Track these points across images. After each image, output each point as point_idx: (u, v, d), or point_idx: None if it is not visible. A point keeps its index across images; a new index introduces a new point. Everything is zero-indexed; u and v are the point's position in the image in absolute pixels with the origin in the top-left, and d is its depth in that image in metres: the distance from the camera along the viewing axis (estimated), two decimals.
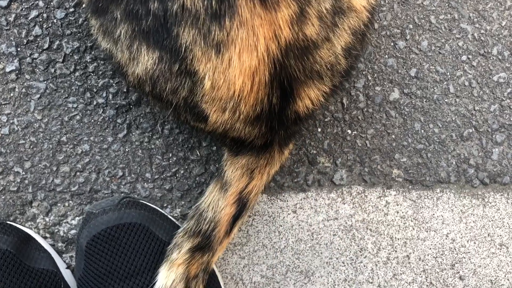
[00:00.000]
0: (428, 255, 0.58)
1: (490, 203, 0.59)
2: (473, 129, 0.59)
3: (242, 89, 0.41)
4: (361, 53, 0.56)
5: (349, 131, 0.58)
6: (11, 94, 0.55)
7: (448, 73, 0.58)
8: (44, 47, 0.55)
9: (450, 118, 0.58)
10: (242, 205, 0.50)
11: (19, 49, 0.55)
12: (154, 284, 0.48)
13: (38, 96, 0.55)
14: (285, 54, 0.40)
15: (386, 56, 0.58)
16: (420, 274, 0.58)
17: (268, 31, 0.39)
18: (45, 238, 0.55)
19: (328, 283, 0.57)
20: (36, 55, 0.55)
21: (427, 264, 0.58)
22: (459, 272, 0.58)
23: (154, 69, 0.41)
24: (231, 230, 0.50)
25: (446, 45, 0.58)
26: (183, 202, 0.56)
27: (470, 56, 0.59)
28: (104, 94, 0.56)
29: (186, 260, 0.48)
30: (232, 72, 0.40)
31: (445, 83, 0.58)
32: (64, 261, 0.55)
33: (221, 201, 0.49)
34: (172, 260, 0.48)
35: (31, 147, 0.55)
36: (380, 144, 0.58)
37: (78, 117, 0.56)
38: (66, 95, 0.56)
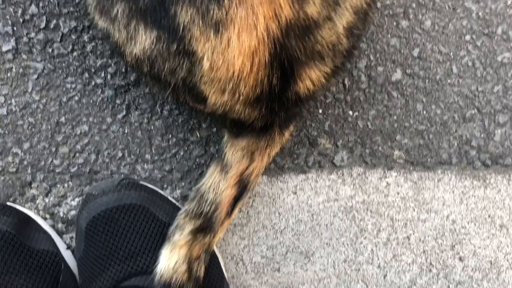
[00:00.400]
0: (428, 236, 0.58)
1: (491, 184, 0.58)
2: (476, 110, 0.58)
3: (241, 69, 0.40)
4: (364, 33, 0.55)
5: (351, 112, 0.57)
6: (8, 74, 0.55)
7: (452, 53, 0.58)
8: (41, 26, 0.54)
9: (453, 99, 0.58)
10: (243, 187, 0.50)
11: (15, 28, 0.54)
12: (155, 265, 0.48)
13: (35, 76, 0.55)
14: (285, 34, 0.39)
15: (389, 35, 0.57)
16: (420, 255, 0.58)
17: (268, 10, 0.38)
18: (45, 219, 0.55)
19: (328, 264, 0.57)
20: (33, 34, 0.54)
21: (427, 245, 0.58)
22: (459, 253, 0.58)
23: (152, 49, 0.41)
24: (232, 212, 0.50)
25: (450, 24, 0.57)
26: (183, 183, 0.56)
27: (474, 36, 0.58)
28: (103, 75, 0.55)
29: (188, 242, 0.48)
30: (231, 52, 0.39)
31: (448, 63, 0.58)
32: (64, 242, 0.55)
33: (222, 183, 0.49)
34: (174, 241, 0.48)
35: (30, 128, 0.55)
36: (382, 125, 0.57)
37: (76, 98, 0.55)
38: (64, 76, 0.55)
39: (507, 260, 0.58)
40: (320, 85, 0.44)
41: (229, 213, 0.50)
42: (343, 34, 0.42)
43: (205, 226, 0.49)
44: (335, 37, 0.42)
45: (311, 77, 0.43)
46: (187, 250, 0.48)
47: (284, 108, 0.45)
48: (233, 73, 0.40)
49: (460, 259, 0.58)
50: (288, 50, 0.40)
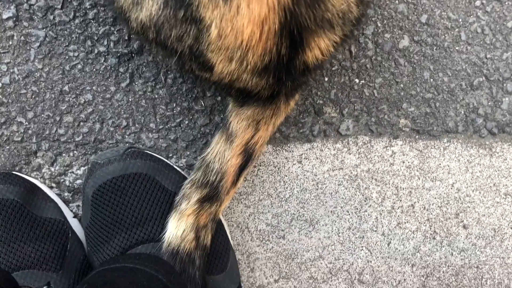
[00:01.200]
0: (432, 204, 0.58)
1: (498, 153, 0.58)
2: (484, 78, 0.57)
3: (250, 38, 0.39)
4: (373, 0, 0.54)
5: (357, 80, 0.56)
6: (10, 43, 0.54)
7: (460, 20, 0.56)
8: None
9: (461, 67, 0.57)
10: (248, 156, 0.50)
11: None
12: (163, 233, 0.49)
13: (37, 44, 0.54)
14: (296, 1, 0.38)
15: (397, 1, 0.56)
16: (424, 223, 0.58)
17: None
18: (51, 188, 0.55)
19: (332, 231, 0.58)
20: (33, 1, 0.53)
21: (431, 213, 0.58)
22: (463, 221, 0.58)
23: (159, 15, 0.40)
24: (238, 180, 0.50)
25: None
26: (188, 153, 0.56)
27: (484, 1, 0.56)
28: (105, 42, 0.54)
29: (195, 211, 0.49)
30: (240, 20, 0.38)
31: (456, 30, 0.56)
32: (71, 210, 0.55)
33: (227, 152, 0.49)
34: (181, 210, 0.49)
35: (33, 96, 0.55)
36: (388, 94, 0.57)
37: (79, 66, 0.55)
38: (67, 43, 0.54)
39: (511, 228, 0.59)
40: (329, 54, 0.43)
41: (235, 182, 0.50)
42: (354, 2, 0.41)
43: (211, 195, 0.49)
44: (346, 5, 0.41)
45: (320, 46, 0.42)
46: (194, 218, 0.48)
47: (291, 78, 0.44)
48: (242, 41, 0.39)
49: (464, 226, 0.59)
50: (298, 18, 0.39)
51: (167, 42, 0.41)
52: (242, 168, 0.50)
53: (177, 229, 0.48)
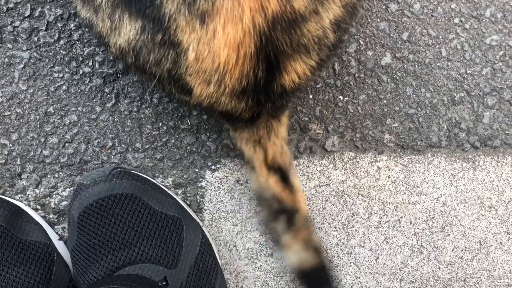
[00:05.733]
0: (419, 219, 0.59)
1: (481, 166, 0.59)
2: (465, 93, 0.58)
3: (227, 61, 0.40)
4: (351, 26, 0.54)
5: (341, 97, 0.57)
6: None
7: (441, 36, 0.58)
8: (26, 15, 0.53)
9: (442, 82, 0.58)
10: (278, 169, 0.51)
11: None
12: (147, 254, 0.48)
13: (22, 65, 0.54)
14: (272, 27, 0.39)
15: (378, 19, 0.57)
16: (411, 237, 0.59)
17: (255, 2, 0.38)
18: (36, 210, 0.55)
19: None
20: (17, 23, 0.53)
21: (418, 228, 0.59)
22: (449, 234, 0.59)
23: (137, 39, 0.40)
24: (292, 188, 0.51)
25: (439, 7, 0.57)
26: (174, 171, 0.56)
27: (462, 19, 0.58)
28: (90, 63, 0.54)
29: (292, 238, 0.52)
30: (217, 43, 0.39)
31: (437, 46, 0.58)
32: (57, 233, 0.54)
33: (260, 178, 0.51)
34: (284, 245, 0.52)
35: (17, 118, 0.54)
36: (372, 110, 0.58)
37: (64, 87, 0.54)
38: (51, 65, 0.54)
39: (496, 240, 0.59)
40: (306, 78, 0.44)
41: (292, 190, 0.51)
42: (330, 28, 0.42)
43: (291, 216, 0.51)
44: (321, 31, 0.42)
45: (297, 70, 0.43)
46: (298, 243, 0.51)
47: (271, 100, 0.44)
48: (219, 64, 0.40)
49: (451, 240, 0.59)
50: (274, 43, 0.40)
51: (146, 66, 0.42)
52: (284, 180, 0.51)
53: (295, 257, 0.51)
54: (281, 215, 0.51)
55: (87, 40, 0.54)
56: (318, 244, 0.53)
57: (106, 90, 0.55)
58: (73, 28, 0.54)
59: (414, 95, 0.58)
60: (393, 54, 0.57)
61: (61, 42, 0.54)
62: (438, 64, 0.58)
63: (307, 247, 0.52)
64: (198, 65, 0.40)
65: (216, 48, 0.39)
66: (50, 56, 0.54)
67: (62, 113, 0.55)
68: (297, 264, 0.52)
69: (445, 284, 0.59)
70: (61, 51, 0.54)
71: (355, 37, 0.57)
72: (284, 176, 0.51)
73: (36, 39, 0.54)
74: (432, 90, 0.58)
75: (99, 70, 0.54)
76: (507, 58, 0.58)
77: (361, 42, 0.57)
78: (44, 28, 0.54)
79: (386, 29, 0.57)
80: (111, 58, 0.54)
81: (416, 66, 0.58)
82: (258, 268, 0.57)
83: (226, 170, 0.56)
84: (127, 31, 0.40)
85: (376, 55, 0.57)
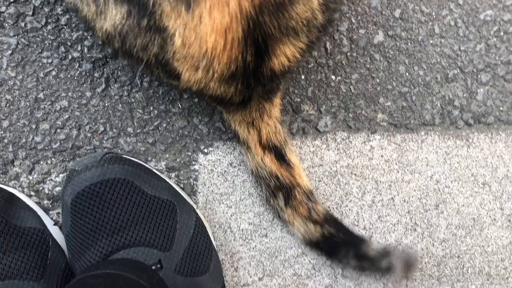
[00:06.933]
0: (412, 197, 0.59)
1: (474, 143, 0.59)
2: (458, 70, 0.58)
3: (214, 47, 0.39)
4: (340, 5, 0.54)
5: (333, 77, 0.57)
6: None
7: (434, 13, 0.57)
8: (11, 0, 0.53)
9: (435, 60, 0.57)
10: (273, 147, 0.51)
11: None
12: (141, 237, 0.49)
13: (10, 52, 0.53)
14: (259, 11, 0.38)
15: None
16: (405, 215, 0.59)
17: None
18: (30, 196, 0.55)
19: None
20: (3, 8, 0.53)
21: (411, 206, 0.59)
22: (443, 212, 0.59)
23: (123, 24, 0.40)
24: (289, 164, 0.52)
25: None
26: (167, 155, 0.56)
27: None
28: (79, 48, 0.54)
29: (292, 214, 0.53)
30: (203, 29, 0.38)
31: (430, 23, 0.57)
32: (51, 218, 0.55)
33: (256, 158, 0.51)
34: (289, 220, 0.54)
35: (8, 105, 0.54)
36: (365, 89, 0.57)
37: (54, 73, 0.54)
38: (40, 50, 0.54)
39: (489, 217, 0.60)
40: (295, 60, 0.43)
41: (290, 165, 0.52)
42: (318, 10, 0.42)
43: (289, 192, 0.52)
44: (310, 13, 0.41)
45: (286, 53, 0.42)
46: (300, 218, 0.52)
47: (261, 84, 0.44)
48: (206, 50, 0.39)
49: (444, 217, 0.59)
50: (262, 27, 0.39)
51: (133, 51, 0.41)
52: (280, 157, 0.51)
53: (298, 231, 0.53)
54: (279, 191, 0.52)
55: (75, 25, 0.53)
56: (321, 214, 0.53)
57: (96, 75, 0.54)
58: (60, 13, 0.53)
59: (407, 73, 0.57)
60: (386, 32, 0.57)
61: (49, 27, 0.53)
62: (431, 41, 0.57)
63: (310, 220, 0.53)
64: (185, 50, 0.40)
65: (203, 33, 0.39)
66: (38, 42, 0.53)
67: (53, 99, 0.54)
68: (303, 238, 0.54)
69: (439, 261, 0.60)
70: (49, 36, 0.53)
71: (347, 15, 0.56)
72: (279, 154, 0.51)
73: (23, 24, 0.53)
74: (425, 67, 0.57)
75: (88, 55, 0.54)
76: (502, 33, 0.58)
77: (353, 21, 0.56)
78: (30, 13, 0.53)
79: (378, 7, 0.56)
80: (100, 43, 0.54)
81: (409, 43, 0.57)
82: (253, 248, 0.58)
83: (219, 153, 0.56)
84: (112, 16, 0.40)
85: (368, 33, 0.56)
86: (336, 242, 0.54)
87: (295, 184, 0.52)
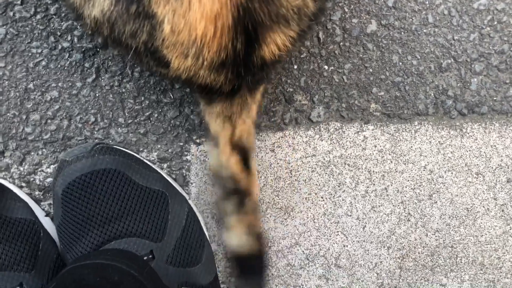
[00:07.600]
0: (406, 187, 0.59)
1: (468, 133, 0.59)
2: (452, 60, 0.57)
3: (204, 34, 0.39)
4: None
5: (326, 67, 0.56)
6: None
7: (427, 2, 0.56)
8: None
9: (429, 49, 0.57)
10: (242, 150, 0.49)
11: None
12: (133, 228, 0.48)
13: None
14: None
15: None
16: (398, 205, 0.59)
17: None
18: (21, 187, 0.55)
19: (307, 218, 0.58)
20: None
21: (405, 196, 0.59)
22: (436, 202, 0.59)
23: (112, 11, 0.39)
24: (250, 171, 0.50)
25: None
26: (159, 146, 0.56)
27: None
28: (69, 38, 0.53)
29: (238, 221, 0.50)
30: (192, 15, 0.38)
31: (424, 12, 0.56)
32: (43, 209, 0.55)
33: (222, 156, 0.49)
34: (230, 226, 0.51)
35: None
36: (358, 79, 0.57)
37: (43, 63, 0.54)
38: (29, 40, 0.53)
39: (483, 206, 0.60)
40: (286, 49, 0.43)
41: (249, 172, 0.50)
42: None
43: (242, 198, 0.50)
44: (301, 0, 0.40)
45: (276, 41, 0.42)
46: (244, 228, 0.50)
47: (251, 72, 0.44)
48: (196, 37, 0.39)
49: (438, 208, 0.59)
50: (252, 14, 0.39)
51: (122, 38, 0.41)
52: (245, 162, 0.49)
53: (237, 241, 0.50)
54: (233, 195, 0.50)
55: (64, 14, 0.53)
56: (261, 232, 0.52)
57: (86, 65, 0.54)
58: (49, 2, 0.53)
59: (401, 63, 0.57)
60: (379, 21, 0.56)
61: (38, 16, 0.53)
62: (424, 31, 0.57)
63: (249, 232, 0.50)
64: (174, 37, 0.39)
65: (192, 20, 0.38)
66: (27, 32, 0.53)
67: (43, 89, 0.54)
68: (235, 247, 0.51)
69: (432, 251, 0.60)
70: (38, 26, 0.53)
71: (340, 4, 0.55)
72: (245, 158, 0.49)
73: (11, 14, 0.52)
74: (419, 57, 0.57)
75: (78, 45, 0.53)
76: (495, 22, 0.57)
77: (346, 10, 0.56)
78: (19, 2, 0.52)
79: None
80: (89, 32, 0.53)
81: (402, 33, 0.57)
82: None
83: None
84: (101, 2, 0.39)
85: (361, 23, 0.56)
86: (258, 266, 0.53)
87: (250, 192, 0.50)
